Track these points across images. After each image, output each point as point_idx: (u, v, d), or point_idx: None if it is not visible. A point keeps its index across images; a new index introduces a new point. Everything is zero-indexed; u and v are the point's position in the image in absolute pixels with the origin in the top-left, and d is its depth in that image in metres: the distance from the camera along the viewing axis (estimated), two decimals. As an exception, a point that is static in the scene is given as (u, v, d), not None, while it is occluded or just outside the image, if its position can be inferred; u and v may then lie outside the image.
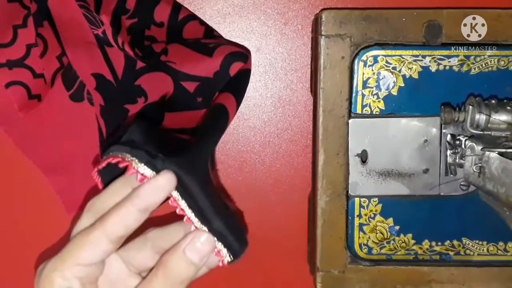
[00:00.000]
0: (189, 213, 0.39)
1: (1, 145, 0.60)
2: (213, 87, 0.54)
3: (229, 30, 0.62)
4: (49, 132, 0.58)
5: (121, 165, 0.39)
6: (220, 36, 0.60)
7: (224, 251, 0.39)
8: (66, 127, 0.58)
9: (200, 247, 0.39)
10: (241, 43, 0.62)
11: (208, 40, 0.56)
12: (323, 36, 0.55)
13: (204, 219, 0.39)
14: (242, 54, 0.55)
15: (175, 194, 0.39)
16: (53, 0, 0.54)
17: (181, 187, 0.39)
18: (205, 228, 0.39)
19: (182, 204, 0.39)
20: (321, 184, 0.56)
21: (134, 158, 0.39)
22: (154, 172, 0.38)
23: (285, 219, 0.64)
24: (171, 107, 0.55)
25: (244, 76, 0.54)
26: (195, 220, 0.39)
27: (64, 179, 0.59)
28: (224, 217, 0.39)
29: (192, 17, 0.59)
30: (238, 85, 0.53)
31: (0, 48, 0.55)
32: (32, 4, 0.55)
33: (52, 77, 0.56)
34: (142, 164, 0.38)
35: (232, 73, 0.53)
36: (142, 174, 0.38)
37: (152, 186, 0.38)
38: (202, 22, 0.59)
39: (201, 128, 0.47)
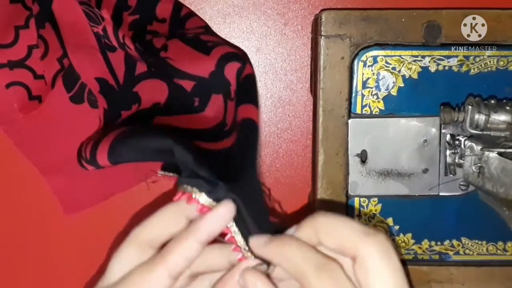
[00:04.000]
0: (241, 242, 0.38)
1: (1, 145, 0.60)
2: (208, 88, 0.54)
3: (229, 31, 0.62)
4: (48, 133, 0.58)
5: (182, 198, 0.38)
6: (218, 36, 0.60)
7: None
8: (65, 128, 0.58)
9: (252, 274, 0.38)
10: (241, 44, 0.62)
11: (208, 37, 0.56)
12: (322, 37, 0.55)
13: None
14: (237, 54, 0.54)
15: (231, 224, 0.38)
16: (57, 4, 0.54)
17: (238, 216, 0.38)
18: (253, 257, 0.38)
19: (237, 235, 0.38)
20: (321, 184, 0.56)
21: (194, 189, 0.38)
22: (214, 202, 0.38)
23: (285, 219, 0.64)
24: (168, 111, 0.55)
25: (253, 82, 0.53)
26: (245, 250, 0.38)
27: (62, 180, 0.59)
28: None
29: (194, 13, 0.59)
30: (253, 93, 0.52)
31: (2, 49, 0.55)
32: (34, 5, 0.55)
33: (52, 79, 0.56)
34: (203, 194, 0.38)
35: (228, 73, 0.53)
36: (202, 205, 0.38)
37: (214, 217, 0.37)
38: (202, 19, 0.60)
39: (241, 146, 0.45)
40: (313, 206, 0.57)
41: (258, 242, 0.38)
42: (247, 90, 0.52)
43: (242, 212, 0.38)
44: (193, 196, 0.38)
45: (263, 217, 0.40)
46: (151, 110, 0.55)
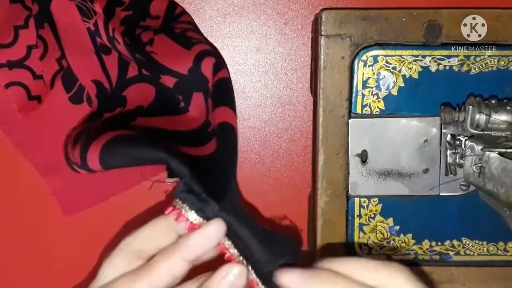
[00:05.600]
0: (242, 261, 0.38)
1: (1, 145, 0.60)
2: (189, 86, 0.53)
3: (229, 30, 0.62)
4: (47, 133, 0.58)
5: (173, 213, 0.38)
6: (205, 38, 0.60)
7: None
8: (65, 128, 0.57)
9: (234, 280, 0.38)
10: (241, 43, 0.62)
11: (194, 35, 0.56)
12: (323, 36, 0.55)
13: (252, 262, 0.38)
14: (212, 52, 0.54)
15: (227, 242, 0.38)
16: (56, 5, 0.54)
17: (232, 234, 0.38)
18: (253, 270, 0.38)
19: (234, 252, 0.38)
20: (321, 184, 0.56)
21: (184, 205, 0.38)
22: (204, 220, 0.38)
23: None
24: (152, 112, 0.54)
25: (229, 85, 0.53)
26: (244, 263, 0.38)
27: (61, 180, 0.59)
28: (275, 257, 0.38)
29: (186, 13, 0.59)
30: (229, 96, 0.51)
31: (1, 49, 0.55)
32: (33, 6, 0.55)
33: (51, 79, 0.56)
34: (193, 212, 0.38)
35: (204, 69, 0.52)
36: (191, 223, 0.38)
37: (202, 236, 0.37)
38: (192, 19, 0.60)
39: (224, 156, 0.45)
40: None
41: (294, 278, 0.37)
42: (223, 92, 0.51)
43: (236, 229, 0.38)
44: (183, 213, 0.38)
45: (255, 228, 0.39)
46: (133, 112, 0.55)
